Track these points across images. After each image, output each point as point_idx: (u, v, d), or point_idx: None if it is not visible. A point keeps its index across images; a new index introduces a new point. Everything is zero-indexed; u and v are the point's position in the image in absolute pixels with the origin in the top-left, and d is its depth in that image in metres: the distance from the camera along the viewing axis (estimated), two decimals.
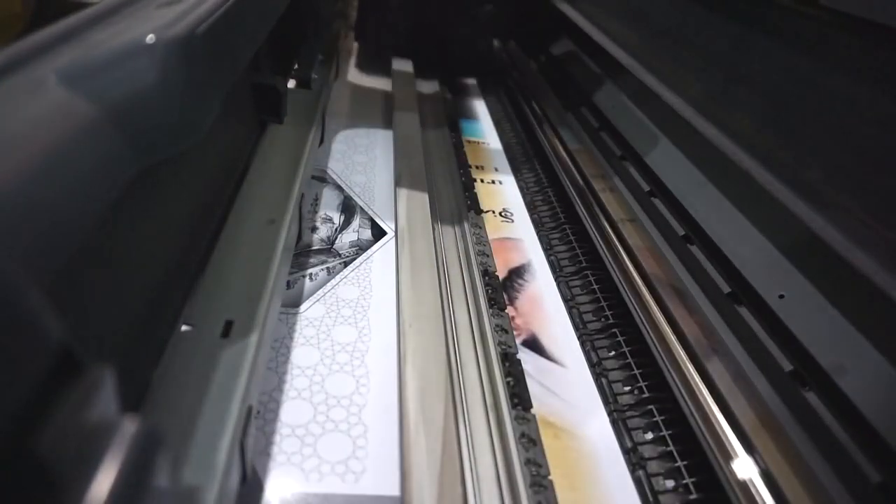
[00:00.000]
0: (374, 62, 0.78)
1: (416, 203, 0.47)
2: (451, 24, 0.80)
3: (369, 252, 0.44)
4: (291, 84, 0.55)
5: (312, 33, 0.57)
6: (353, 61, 0.80)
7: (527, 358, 0.37)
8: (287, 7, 0.42)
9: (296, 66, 0.56)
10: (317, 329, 0.36)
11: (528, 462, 0.29)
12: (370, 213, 0.48)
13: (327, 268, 0.41)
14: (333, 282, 0.40)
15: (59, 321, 0.13)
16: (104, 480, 0.11)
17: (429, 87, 0.74)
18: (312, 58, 0.56)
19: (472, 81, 0.83)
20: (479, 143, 0.65)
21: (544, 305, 0.42)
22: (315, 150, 0.51)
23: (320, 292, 0.39)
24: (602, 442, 0.32)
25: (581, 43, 0.70)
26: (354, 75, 0.77)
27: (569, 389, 0.35)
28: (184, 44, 0.20)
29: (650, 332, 0.36)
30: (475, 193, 0.53)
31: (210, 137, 0.24)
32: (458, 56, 0.81)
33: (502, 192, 0.56)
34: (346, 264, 0.42)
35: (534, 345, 0.38)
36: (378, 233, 0.46)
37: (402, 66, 0.76)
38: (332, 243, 0.44)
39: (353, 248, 0.44)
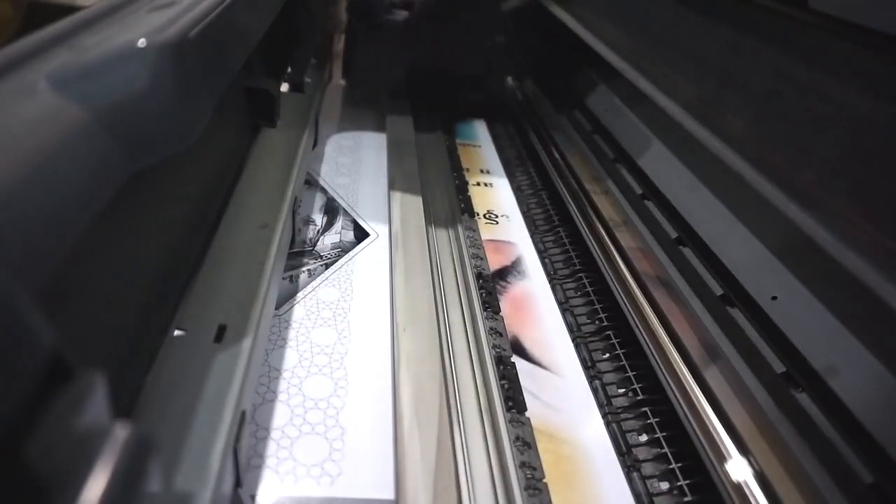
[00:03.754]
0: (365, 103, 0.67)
1: (410, 206, 0.47)
2: (454, 61, 0.69)
3: (351, 254, 0.44)
4: (284, 88, 0.55)
5: (305, 37, 0.57)
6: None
7: None
8: (280, 11, 0.42)
9: (289, 70, 0.56)
10: (296, 331, 0.36)
11: (522, 465, 0.29)
12: (353, 214, 0.48)
13: (308, 269, 0.41)
14: (314, 284, 0.40)
15: (50, 327, 0.13)
16: (96, 487, 0.11)
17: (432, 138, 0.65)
18: (305, 61, 0.56)
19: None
20: (471, 145, 0.66)
21: (528, 308, 0.42)
22: (308, 154, 0.51)
23: (300, 294, 0.39)
24: (595, 445, 0.32)
25: (581, 51, 0.70)
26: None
27: (553, 393, 0.35)
28: (176, 48, 0.20)
29: (644, 334, 0.36)
30: (469, 196, 0.53)
31: (203, 141, 0.24)
32: (464, 98, 0.71)
33: (490, 193, 0.56)
34: (327, 266, 0.42)
35: (516, 348, 0.38)
36: (361, 234, 0.46)
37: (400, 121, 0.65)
38: (314, 245, 0.44)
39: (335, 250, 0.44)
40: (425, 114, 0.66)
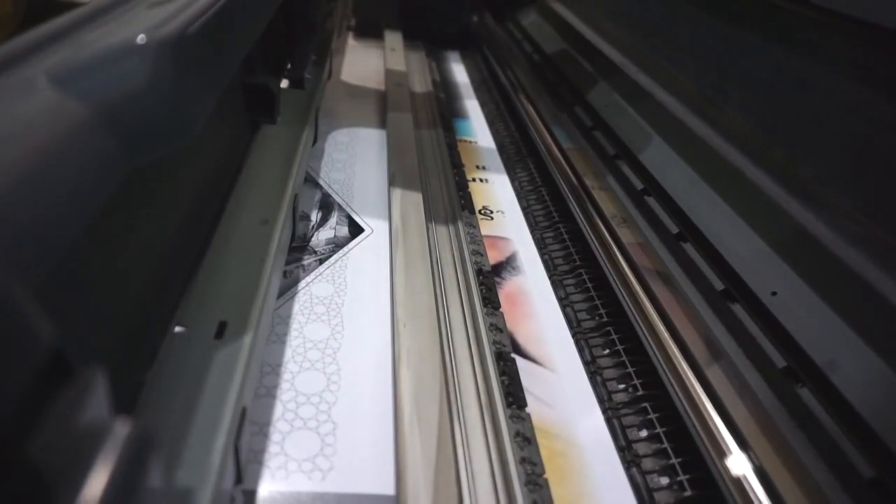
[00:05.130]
0: (370, 34, 0.93)
1: (410, 203, 0.47)
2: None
3: (345, 249, 0.44)
4: (284, 84, 0.55)
5: (305, 33, 0.57)
6: (349, 45, 0.87)
7: None
8: (280, 7, 0.42)
9: (289, 67, 0.56)
10: (289, 326, 0.36)
11: (522, 461, 0.29)
12: (348, 210, 0.48)
13: (302, 265, 0.41)
14: (308, 279, 0.40)
15: (51, 324, 0.13)
16: (97, 484, 0.11)
17: (416, 56, 0.87)
18: (305, 58, 0.56)
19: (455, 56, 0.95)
20: (469, 141, 0.65)
21: (522, 303, 0.42)
22: (308, 151, 0.50)
23: (294, 290, 0.39)
24: (595, 440, 0.32)
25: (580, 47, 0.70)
26: (347, 76, 0.77)
27: (549, 389, 0.35)
28: (175, 44, 0.20)
29: (645, 330, 0.36)
30: (469, 193, 0.53)
31: (203, 138, 0.24)
32: (440, 29, 0.97)
33: (485, 189, 0.56)
34: (321, 261, 0.42)
35: (511, 343, 0.38)
36: (355, 230, 0.46)
37: (394, 36, 0.90)
38: (308, 241, 0.44)
39: (330, 246, 0.44)
40: (412, 41, 0.91)
